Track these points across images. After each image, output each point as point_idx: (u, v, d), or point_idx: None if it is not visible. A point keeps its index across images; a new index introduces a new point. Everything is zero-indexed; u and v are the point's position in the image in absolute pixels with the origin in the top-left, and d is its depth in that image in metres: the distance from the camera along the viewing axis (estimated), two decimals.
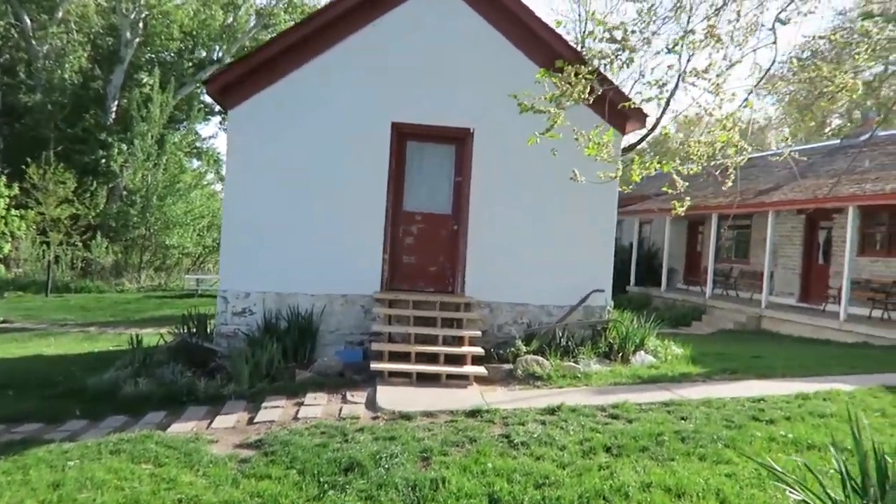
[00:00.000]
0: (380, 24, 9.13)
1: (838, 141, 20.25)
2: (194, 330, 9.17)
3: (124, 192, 29.13)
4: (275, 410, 6.88)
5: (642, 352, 9.30)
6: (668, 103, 30.69)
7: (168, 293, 24.52)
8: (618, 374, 8.46)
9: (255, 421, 6.61)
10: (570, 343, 8.97)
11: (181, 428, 6.49)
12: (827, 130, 37.38)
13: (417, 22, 9.16)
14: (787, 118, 43.47)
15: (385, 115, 9.10)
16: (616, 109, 7.19)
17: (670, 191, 4.33)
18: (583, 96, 4.30)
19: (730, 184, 4.35)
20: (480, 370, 8.00)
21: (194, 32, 34.04)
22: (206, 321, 9.38)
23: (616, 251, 25.08)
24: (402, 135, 9.28)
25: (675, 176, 4.24)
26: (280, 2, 34.02)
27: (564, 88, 4.21)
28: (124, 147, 27.46)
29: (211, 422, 6.68)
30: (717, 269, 19.45)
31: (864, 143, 17.86)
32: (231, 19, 33.90)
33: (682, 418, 6.50)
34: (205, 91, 10.96)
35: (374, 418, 6.57)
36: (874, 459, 3.46)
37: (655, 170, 4.20)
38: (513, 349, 8.60)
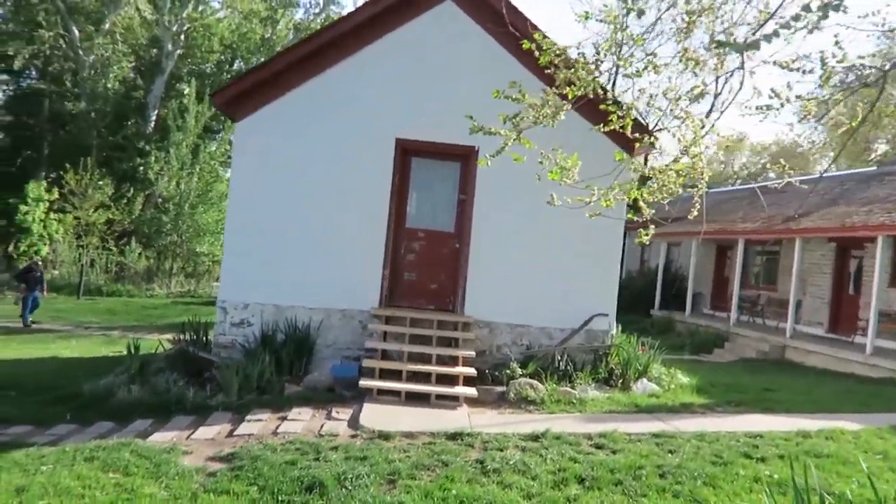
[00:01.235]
0: (386, 40, 9.15)
1: (875, 168, 19.55)
2: (193, 339, 9.23)
3: (159, 200, 29.81)
4: (256, 424, 6.86)
5: (645, 379, 9.03)
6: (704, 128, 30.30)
7: (196, 300, 24.91)
8: (615, 401, 8.23)
9: (235, 434, 6.59)
10: (568, 367, 8.77)
11: (162, 437, 6.51)
12: (872, 157, 36.24)
13: (425, 40, 9.15)
14: (831, 143, 42.36)
15: (389, 131, 9.09)
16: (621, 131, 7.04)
17: (635, 218, 4.16)
18: (557, 113, 4.19)
19: (695, 213, 4.17)
20: (471, 391, 7.87)
21: (234, 45, 34.80)
22: (206, 330, 9.44)
23: (643, 273, 24.79)
24: (406, 151, 9.25)
25: (641, 203, 4.08)
26: (318, 17, 34.62)
27: (535, 106, 4.11)
28: (161, 155, 28.13)
29: (193, 432, 6.68)
30: (743, 295, 18.89)
31: None
32: (270, 33, 34.57)
33: (670, 451, 6.27)
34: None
35: (353, 437, 6.49)
36: None
37: (617, 198, 4.05)
38: (508, 371, 8.44)
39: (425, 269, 9.42)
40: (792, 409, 8.30)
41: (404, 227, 9.36)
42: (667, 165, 3.95)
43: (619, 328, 10.05)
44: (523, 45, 3.90)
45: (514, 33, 6.72)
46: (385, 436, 6.43)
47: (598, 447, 6.35)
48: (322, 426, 6.79)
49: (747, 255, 19.92)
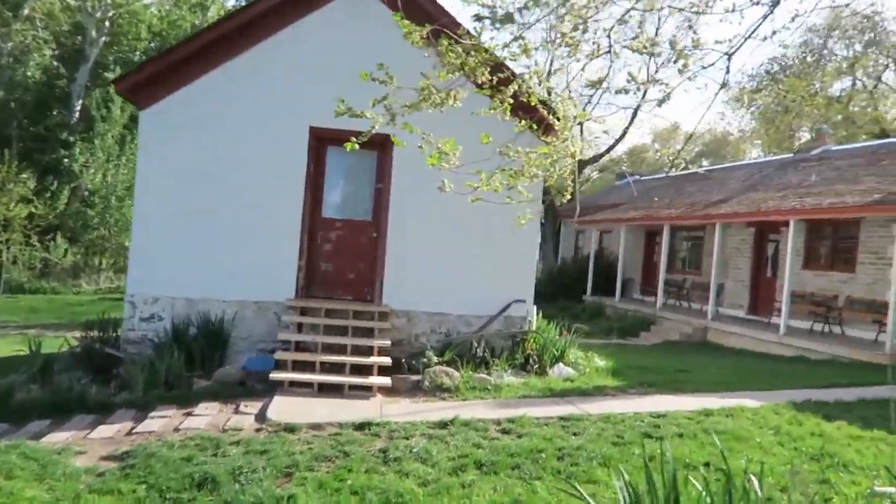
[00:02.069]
0: (299, 26, 8.98)
1: (791, 155, 20.34)
2: (101, 335, 8.91)
3: (85, 193, 28.69)
4: (160, 420, 6.66)
5: (561, 364, 9.17)
6: (635, 114, 30.97)
7: (124, 296, 24.11)
8: (530, 386, 8.33)
9: (136, 431, 6.39)
10: (486, 354, 8.83)
11: (57, 437, 6.26)
12: (797, 144, 37.70)
13: (338, 27, 9.00)
14: (759, 130, 43.87)
15: (303, 120, 8.93)
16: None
17: (509, 200, 4.18)
18: (446, 99, 4.16)
19: (568, 196, 4.22)
20: (385, 381, 7.84)
21: (164, 33, 33.66)
22: (116, 326, 9.13)
23: (576, 260, 25.21)
24: (321, 139, 9.11)
25: (520, 188, 4.09)
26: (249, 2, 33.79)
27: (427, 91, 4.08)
28: (86, 146, 27.05)
29: (91, 431, 6.45)
30: (670, 279, 19.43)
31: (815, 157, 17.95)
32: (200, 20, 33.56)
33: (575, 434, 6.37)
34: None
35: (258, 430, 6.38)
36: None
37: (503, 184, 4.05)
38: (425, 360, 8.44)
39: (343, 259, 9.32)
40: (701, 389, 8.56)
41: (320, 216, 9.23)
42: (529, 149, 3.95)
43: (542, 314, 10.18)
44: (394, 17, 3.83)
45: (430, 19, 6.65)
46: (291, 428, 6.34)
47: (505, 432, 6.41)
48: (228, 421, 6.65)
49: (674, 241, 20.49)
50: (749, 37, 3.14)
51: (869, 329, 13.26)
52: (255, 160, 8.85)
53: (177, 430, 6.38)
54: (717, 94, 3.39)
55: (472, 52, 4.11)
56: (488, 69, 4.13)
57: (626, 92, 3.64)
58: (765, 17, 3.13)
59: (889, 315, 11.68)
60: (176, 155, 8.76)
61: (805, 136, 38.43)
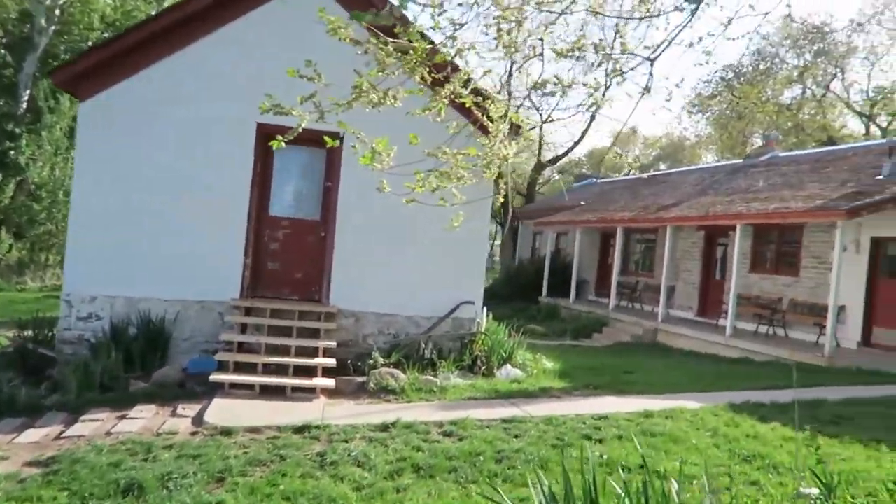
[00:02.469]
0: (247, 20, 8.81)
1: (742, 160, 20.82)
2: (35, 335, 8.61)
3: (32, 186, 27.75)
4: (91, 424, 6.45)
5: (509, 365, 9.19)
6: (593, 117, 31.35)
7: None
8: (477, 388, 8.32)
9: (65, 435, 6.17)
10: (433, 355, 8.79)
11: None
12: (749, 150, 38.69)
13: (287, 21, 8.85)
14: (714, 136, 44.87)
15: (250, 116, 8.71)
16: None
17: (442, 203, 4.16)
18: (384, 99, 4.09)
19: (501, 199, 4.21)
20: (329, 383, 7.74)
21: (118, 23, 32.75)
22: (52, 325, 8.83)
23: (533, 262, 25.35)
24: (269, 136, 8.89)
25: (454, 191, 4.07)
26: None
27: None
28: (34, 139, 26.16)
29: (17, 436, 6.20)
30: (623, 281, 19.70)
31: (764, 162, 18.39)
32: (155, 9, 32.75)
33: (516, 436, 6.38)
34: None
35: (194, 434, 6.22)
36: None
37: (436, 186, 4.02)
38: (371, 361, 8.36)
39: (290, 258, 9.18)
40: (644, 391, 8.67)
41: (267, 215, 9.08)
42: (457, 150, 3.93)
43: (498, 315, 10.19)
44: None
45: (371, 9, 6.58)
46: (228, 432, 6.20)
47: (447, 435, 6.38)
48: (163, 424, 6.47)
49: (628, 243, 20.79)
50: (671, 42, 3.18)
51: (811, 331, 13.64)
52: (200, 156, 8.65)
53: (108, 433, 6.19)
54: (639, 99, 3.41)
55: (410, 52, 4.05)
56: (427, 69, 4.08)
57: (553, 94, 3.65)
58: (684, 24, 3.16)
59: (828, 318, 12.02)
60: (116, 149, 8.50)
61: (757, 142, 39.47)
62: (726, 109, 38.24)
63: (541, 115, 30.82)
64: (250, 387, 7.52)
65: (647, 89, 3.29)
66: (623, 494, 3.11)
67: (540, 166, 31.89)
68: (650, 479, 3.15)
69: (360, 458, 5.58)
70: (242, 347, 8.18)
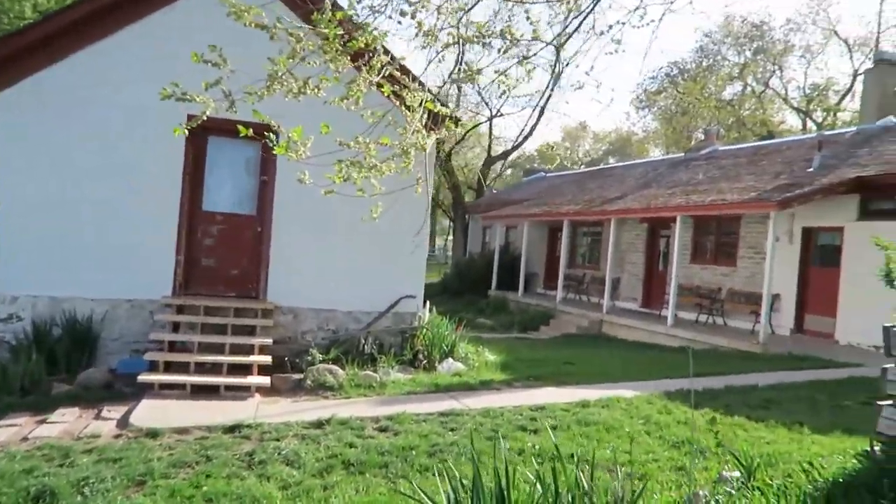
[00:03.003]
0: (177, 6, 8.53)
1: (683, 154, 21.27)
2: None
3: None
4: (7, 430, 6.14)
5: (451, 359, 9.17)
6: (542, 112, 31.59)
7: None
8: (417, 382, 8.27)
9: None
10: (374, 351, 8.70)
11: None
12: (693, 144, 39.61)
13: (216, 9, 8.59)
14: (660, 131, 45.83)
15: (181, 106, 8.42)
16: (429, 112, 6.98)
17: (360, 194, 4.09)
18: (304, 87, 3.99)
19: (419, 190, 4.16)
20: (264, 381, 7.58)
21: (49, 11, 31.55)
22: None
23: (484, 255, 25.43)
24: (201, 129, 8.66)
25: (373, 181, 4.00)
26: None
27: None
28: None
29: None
30: (570, 274, 19.93)
31: (704, 156, 18.81)
32: None
33: (452, 429, 6.35)
34: None
35: (117, 437, 5.99)
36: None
37: (348, 177, 3.96)
38: (309, 358, 8.22)
39: (225, 254, 8.95)
40: (583, 381, 8.75)
41: (201, 210, 8.82)
42: (369, 140, 3.87)
43: (448, 309, 10.14)
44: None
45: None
46: (154, 433, 5.99)
47: (383, 430, 6.31)
48: (86, 427, 6.21)
49: (575, 237, 21.03)
50: (576, 30, 3.17)
51: (748, 320, 14.02)
52: (127, 150, 8.35)
53: (25, 439, 5.90)
54: (549, 85, 3.39)
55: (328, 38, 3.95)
56: (348, 57, 3.98)
57: (465, 83, 3.60)
58: (587, 11, 3.15)
59: (762, 307, 12.37)
60: (35, 142, 8.14)
61: (701, 136, 40.47)
62: (671, 105, 39.12)
63: (490, 110, 30.92)
64: (181, 387, 7.30)
65: (557, 74, 3.28)
66: (535, 481, 3.09)
67: (490, 161, 32.00)
68: (563, 468, 3.14)
69: (291, 456, 5.46)
70: (175, 347, 7.94)
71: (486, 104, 31.30)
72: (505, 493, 2.97)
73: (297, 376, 7.94)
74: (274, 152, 3.98)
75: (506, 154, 31.95)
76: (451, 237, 47.97)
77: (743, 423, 6.57)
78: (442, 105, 3.77)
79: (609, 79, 11.74)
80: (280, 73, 3.61)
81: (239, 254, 8.98)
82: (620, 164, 27.16)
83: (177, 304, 8.27)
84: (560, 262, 19.63)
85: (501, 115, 30.36)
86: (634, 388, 8.30)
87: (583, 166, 53.54)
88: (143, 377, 7.23)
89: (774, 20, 65.67)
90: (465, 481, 3.48)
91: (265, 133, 4.06)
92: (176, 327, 8.17)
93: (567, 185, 24.04)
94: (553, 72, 3.32)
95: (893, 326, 4.50)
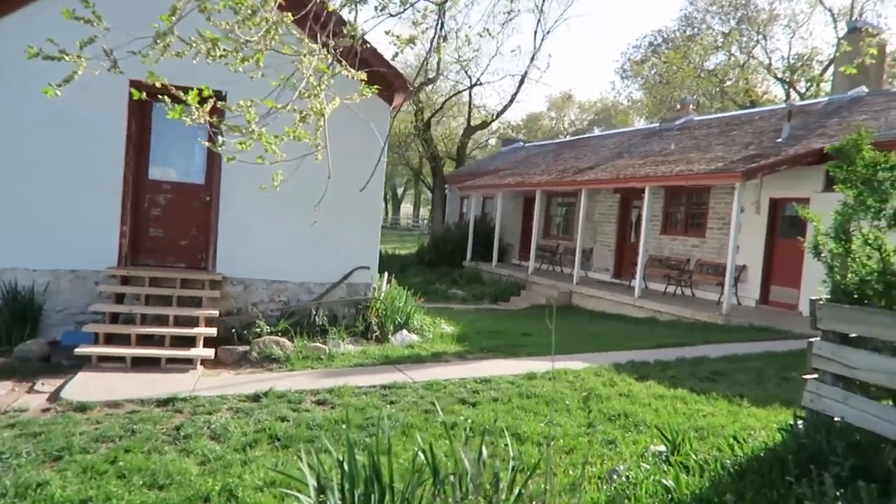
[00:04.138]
0: None
1: (657, 124, 21.08)
2: None
3: None
4: None
5: (405, 331, 9.08)
6: (521, 84, 31.23)
7: None
8: (367, 354, 8.19)
9: None
10: (324, 322, 8.59)
11: None
12: (668, 114, 39.31)
13: None
14: (643, 101, 45.50)
15: (124, 71, 8.18)
16: (382, 78, 6.75)
17: (260, 161, 3.94)
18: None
19: (319, 157, 4.00)
20: (208, 353, 7.46)
21: None
22: None
23: (460, 226, 25.28)
24: (146, 95, 8.40)
25: (274, 148, 3.85)
26: None
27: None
28: None
29: None
30: (544, 245, 19.85)
31: (679, 126, 18.64)
32: None
33: (392, 402, 6.28)
34: None
35: (45, 411, 5.87)
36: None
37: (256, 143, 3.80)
38: (256, 329, 8.10)
39: (173, 224, 8.75)
40: (536, 353, 8.68)
41: (147, 178, 8.60)
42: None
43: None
44: None
45: None
46: (83, 407, 5.88)
47: (320, 403, 6.23)
48: (15, 401, 6.08)
49: (549, 207, 20.91)
50: None
51: (715, 291, 14.03)
52: (66, 117, 8.07)
53: None
54: (435, 44, 3.22)
55: None
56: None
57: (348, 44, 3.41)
58: None
59: (726, 278, 12.35)
60: None
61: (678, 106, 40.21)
62: (654, 74, 38.74)
63: (470, 79, 30.50)
64: (121, 359, 7.16)
65: (444, 37, 3.11)
66: (422, 455, 2.99)
67: (470, 130, 31.66)
68: (429, 455, 3.04)
69: (218, 430, 5.36)
70: (118, 318, 7.79)
71: (466, 72, 30.90)
72: (378, 472, 2.88)
73: (242, 348, 7.84)
74: (167, 116, 3.77)
75: (485, 124, 31.61)
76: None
77: (684, 396, 6.53)
78: (347, 66, 3.58)
79: (597, 46, 11.47)
80: (162, 31, 3.37)
81: (188, 224, 8.79)
82: (597, 134, 26.95)
83: (121, 274, 8.09)
84: (533, 232, 19.51)
85: (481, 83, 29.94)
86: (587, 359, 8.26)
87: (568, 136, 53.18)
88: (81, 349, 7.08)
89: None
90: (360, 457, 3.38)
91: (160, 97, 3.84)
92: (120, 299, 8.02)
93: (544, 155, 23.84)
94: (437, 35, 3.14)
95: (819, 299, 4.43)
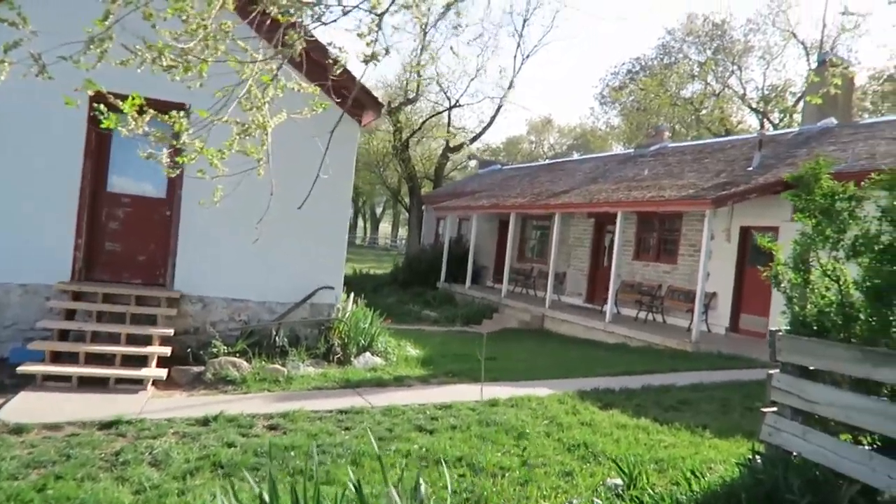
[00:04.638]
0: None
1: (633, 150, 21.23)
2: None
3: None
4: None
5: (368, 353, 8.88)
6: (500, 107, 31.38)
7: None
8: (328, 377, 7.96)
9: None
10: (284, 343, 8.36)
11: None
12: (642, 140, 39.76)
13: None
14: (621, 127, 46.04)
15: (81, 83, 7.98)
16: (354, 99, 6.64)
17: (201, 175, 3.79)
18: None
19: (261, 172, 3.85)
20: (160, 373, 7.19)
21: None
22: None
23: (435, 247, 25.13)
24: (107, 105, 8.19)
25: (216, 163, 3.70)
26: None
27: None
28: None
29: None
30: (518, 268, 19.76)
31: (653, 153, 18.77)
32: None
33: (347, 428, 6.07)
34: None
35: None
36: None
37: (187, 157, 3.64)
38: (214, 349, 7.85)
39: (132, 238, 8.50)
40: (502, 379, 8.52)
41: (105, 191, 8.36)
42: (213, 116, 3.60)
43: (357, 301, 9.82)
44: None
45: None
46: (19, 429, 5.59)
47: (272, 428, 6.01)
48: None
49: (525, 230, 20.87)
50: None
51: (686, 318, 13.99)
52: (19, 128, 7.84)
53: None
54: (368, 61, 3.10)
55: None
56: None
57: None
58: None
59: (695, 305, 12.32)
60: None
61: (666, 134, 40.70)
62: (632, 101, 39.22)
63: (449, 100, 30.58)
64: (67, 379, 6.87)
65: (374, 56, 3.00)
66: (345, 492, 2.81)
67: (448, 151, 31.68)
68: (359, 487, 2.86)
69: (160, 456, 5.12)
70: (67, 336, 7.50)
71: (446, 94, 30.97)
72: None
73: (197, 369, 7.58)
74: (101, 126, 3.60)
75: (462, 146, 31.64)
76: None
77: (647, 426, 6.39)
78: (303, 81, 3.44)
79: (577, 72, 11.49)
80: (95, 37, 3.22)
81: (147, 238, 8.55)
82: (573, 158, 27.11)
83: (73, 290, 7.82)
84: (507, 255, 19.43)
85: (460, 105, 30.02)
86: (552, 386, 8.12)
87: (547, 160, 53.45)
88: (23, 368, 6.78)
89: (735, 20, 66.41)
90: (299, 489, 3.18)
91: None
92: (71, 315, 7.73)
93: (520, 178, 23.87)
94: (369, 52, 3.04)
95: (779, 330, 4.34)
